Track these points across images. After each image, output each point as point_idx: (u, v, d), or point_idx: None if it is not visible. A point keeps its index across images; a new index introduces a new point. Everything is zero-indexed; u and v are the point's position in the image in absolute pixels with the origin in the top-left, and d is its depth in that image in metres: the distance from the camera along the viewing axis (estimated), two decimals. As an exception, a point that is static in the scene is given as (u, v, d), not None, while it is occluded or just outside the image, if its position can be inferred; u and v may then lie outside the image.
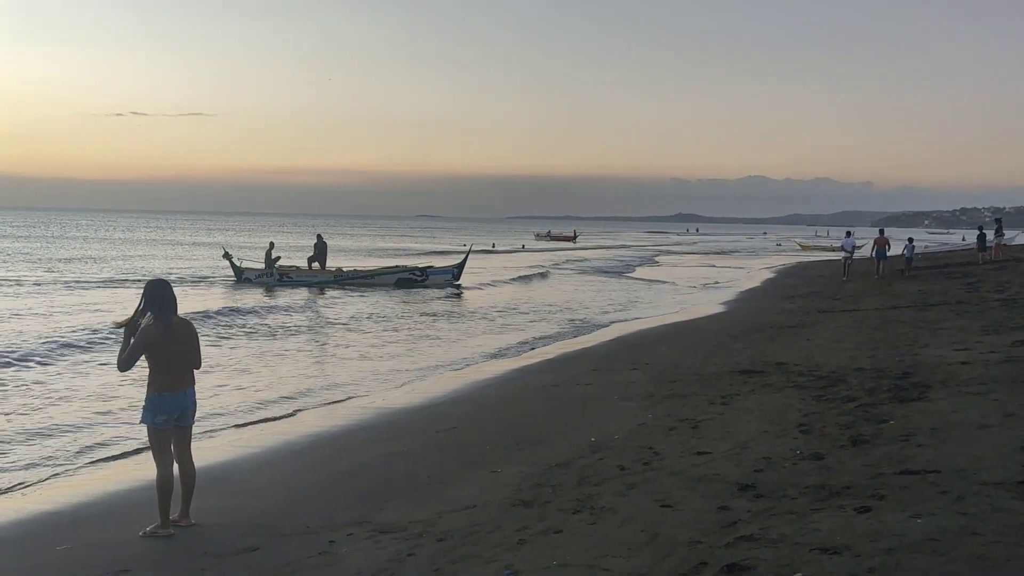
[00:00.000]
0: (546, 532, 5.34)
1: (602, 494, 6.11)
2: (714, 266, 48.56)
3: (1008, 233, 44.87)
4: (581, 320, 20.96)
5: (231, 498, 6.78)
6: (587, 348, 15.78)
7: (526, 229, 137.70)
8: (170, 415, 5.80)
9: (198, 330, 6.29)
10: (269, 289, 28.54)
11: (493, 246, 68.83)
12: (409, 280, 30.68)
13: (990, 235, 34.23)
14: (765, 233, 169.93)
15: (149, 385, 5.80)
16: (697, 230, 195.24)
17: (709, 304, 24.28)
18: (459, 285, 30.56)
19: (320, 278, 30.32)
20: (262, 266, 30.83)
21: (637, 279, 37.21)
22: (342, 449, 8.50)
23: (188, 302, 24.89)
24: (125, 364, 5.83)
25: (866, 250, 34.39)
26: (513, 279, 34.74)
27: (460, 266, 31.60)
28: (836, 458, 6.41)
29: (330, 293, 27.76)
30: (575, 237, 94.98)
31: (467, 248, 37.36)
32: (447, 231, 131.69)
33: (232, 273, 31.39)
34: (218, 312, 20.25)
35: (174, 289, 6.14)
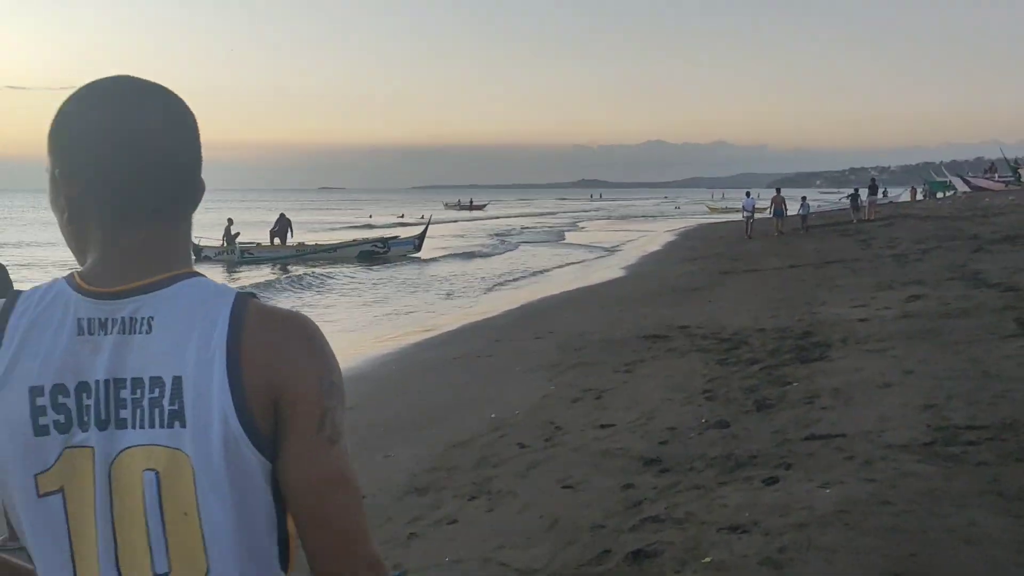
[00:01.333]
0: (440, 523, 4.96)
1: (501, 476, 5.76)
2: (631, 230, 49.16)
3: (893, 191, 46.72)
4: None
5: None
6: (489, 318, 15.43)
7: (433, 199, 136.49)
8: None
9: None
10: (231, 267, 27.48)
11: (402, 216, 67.97)
12: (371, 252, 30.13)
13: (865, 195, 35.24)
14: (665, 197, 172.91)
15: None
16: (600, 196, 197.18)
17: (611, 268, 24.26)
18: (419, 257, 30.22)
19: (283, 253, 29.60)
20: (220, 243, 29.68)
21: (573, 244, 37.50)
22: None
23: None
24: None
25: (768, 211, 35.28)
26: (466, 251, 34.16)
27: (421, 237, 31.24)
28: (742, 425, 6.22)
29: (292, 268, 26.89)
30: (485, 206, 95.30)
31: (427, 219, 36.74)
32: (351, 203, 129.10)
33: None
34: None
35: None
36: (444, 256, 31.22)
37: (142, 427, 1.06)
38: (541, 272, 25.46)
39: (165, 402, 1.05)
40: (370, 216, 70.27)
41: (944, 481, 4.47)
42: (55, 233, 1.31)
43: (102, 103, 1.11)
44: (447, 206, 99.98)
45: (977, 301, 10.59)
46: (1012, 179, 41.11)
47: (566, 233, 47.59)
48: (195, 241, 29.60)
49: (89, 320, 1.08)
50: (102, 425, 1.07)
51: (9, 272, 6.30)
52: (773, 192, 32.92)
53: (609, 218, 70.48)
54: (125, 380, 1.06)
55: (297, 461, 1.07)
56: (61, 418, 1.07)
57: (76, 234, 1.14)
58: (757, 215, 31.91)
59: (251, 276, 24.99)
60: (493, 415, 7.65)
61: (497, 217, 72.35)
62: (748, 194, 33.51)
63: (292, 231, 31.32)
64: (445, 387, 9.31)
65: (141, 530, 1.07)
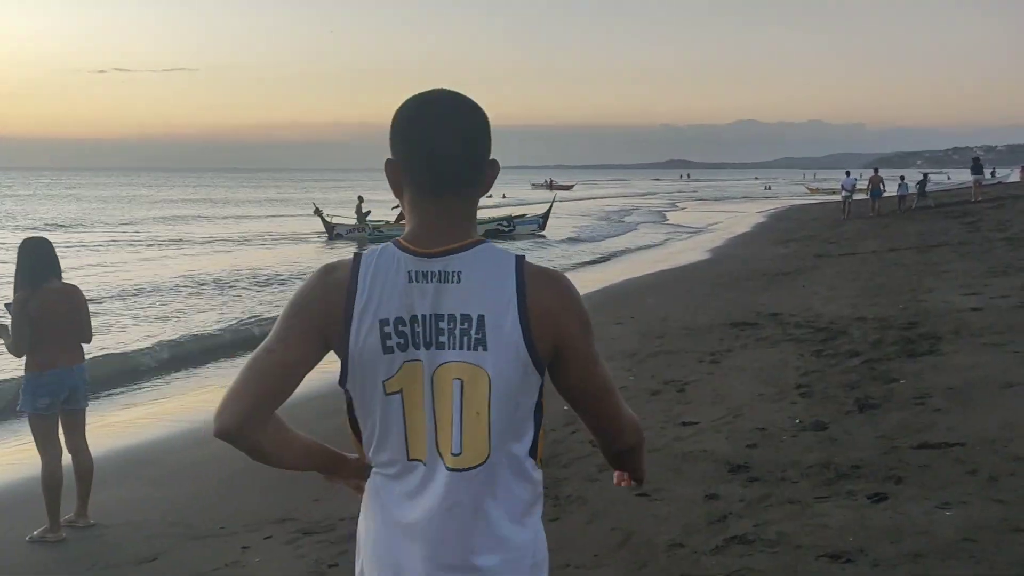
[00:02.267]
0: (499, 532, 4.48)
1: (570, 479, 5.25)
2: (722, 211, 47.98)
3: (1001, 171, 44.03)
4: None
5: (149, 488, 5.92)
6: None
7: (520, 179, 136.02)
8: (55, 397, 4.88)
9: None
10: (362, 244, 27.71)
11: (489, 196, 67.92)
12: (497, 232, 30.11)
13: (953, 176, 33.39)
14: (756, 178, 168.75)
15: (27, 364, 4.87)
16: (689, 176, 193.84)
17: (698, 250, 23.38)
18: (544, 235, 30.65)
19: None
20: (354, 221, 30.44)
21: (675, 224, 37.10)
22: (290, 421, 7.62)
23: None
24: (16, 347, 4.89)
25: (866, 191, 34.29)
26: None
27: (545, 215, 31.53)
28: (842, 427, 5.55)
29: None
30: (572, 187, 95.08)
31: (552, 198, 36.78)
32: None
33: (324, 229, 30.95)
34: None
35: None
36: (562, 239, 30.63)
37: (454, 348, 1.51)
38: (624, 252, 24.76)
39: (472, 332, 1.50)
40: (503, 195, 70.54)
41: (1092, 507, 3.77)
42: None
43: (435, 111, 1.56)
44: (534, 186, 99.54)
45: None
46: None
47: (667, 213, 46.88)
48: (328, 219, 30.59)
49: (416, 272, 1.53)
50: (428, 346, 1.52)
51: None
52: (871, 172, 31.96)
53: (702, 199, 68.90)
54: (443, 315, 1.51)
55: (579, 377, 1.58)
56: (401, 340, 1.52)
57: (408, 207, 1.60)
58: (856, 196, 30.90)
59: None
60: (566, 407, 7.11)
61: (590, 198, 70.96)
62: (848, 173, 32.96)
63: None
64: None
65: (449, 421, 1.53)
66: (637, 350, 9.43)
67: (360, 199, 31.80)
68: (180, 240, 31.54)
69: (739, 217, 39.82)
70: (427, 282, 1.53)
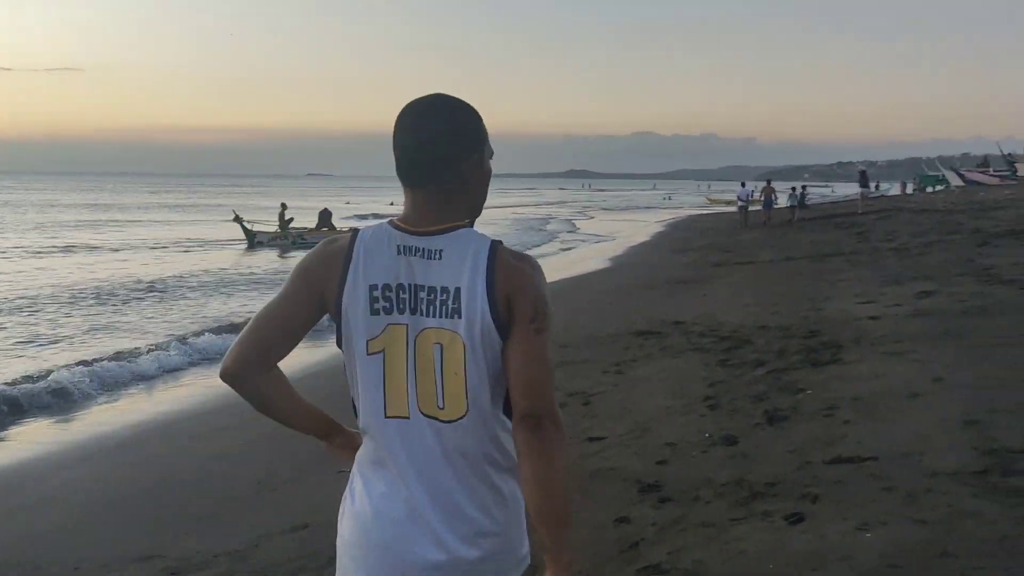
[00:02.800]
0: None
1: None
2: (624, 220, 48.54)
3: (884, 185, 46.36)
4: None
5: (2, 519, 5.27)
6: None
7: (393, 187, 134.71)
8: None
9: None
10: (284, 251, 27.37)
11: (391, 204, 67.42)
12: None
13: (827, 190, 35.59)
14: (655, 187, 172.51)
15: None
16: (590, 186, 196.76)
17: (598, 259, 23.39)
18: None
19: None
20: (275, 229, 29.75)
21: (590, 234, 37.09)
22: (164, 442, 7.02)
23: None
24: None
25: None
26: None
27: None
28: (753, 441, 5.36)
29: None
30: None
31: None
32: (345, 189, 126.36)
33: (243, 236, 29.91)
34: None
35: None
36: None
37: (434, 316, 1.72)
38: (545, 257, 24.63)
39: (449, 302, 1.71)
40: (391, 203, 69.45)
41: (1015, 525, 3.62)
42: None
43: (412, 112, 1.78)
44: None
45: (996, 299, 9.77)
46: (1008, 174, 40.53)
47: (576, 222, 47.43)
48: (248, 227, 29.67)
49: (403, 246, 1.75)
50: (412, 312, 1.73)
51: None
52: (764, 183, 33.47)
53: (607, 208, 69.72)
54: (424, 287, 1.73)
55: (515, 341, 1.70)
56: (387, 304, 1.73)
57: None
58: (752, 206, 32.03)
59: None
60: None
61: (501, 207, 70.23)
62: (743, 184, 34.14)
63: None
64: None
65: (431, 380, 1.72)
66: (540, 361, 9.15)
67: (283, 206, 30.95)
68: (89, 246, 29.90)
69: (641, 226, 40.33)
70: (412, 256, 1.72)
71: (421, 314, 1.71)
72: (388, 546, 1.72)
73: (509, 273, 1.71)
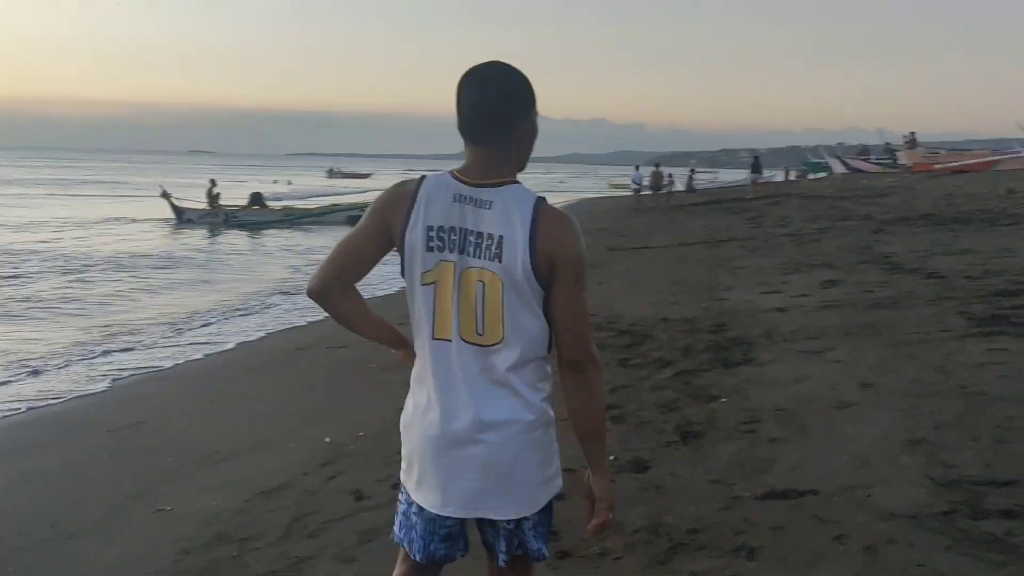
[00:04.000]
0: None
1: (321, 554, 3.82)
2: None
3: (767, 172, 47.36)
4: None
5: None
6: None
7: (313, 166, 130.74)
8: None
9: None
10: (214, 229, 26.11)
11: (290, 183, 65.02)
12: (359, 217, 28.32)
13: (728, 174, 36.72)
14: (549, 171, 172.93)
15: None
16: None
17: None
18: None
19: (269, 217, 28.07)
20: (204, 205, 28.32)
21: None
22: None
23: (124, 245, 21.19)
24: None
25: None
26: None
27: None
28: (666, 467, 4.48)
29: (273, 232, 25.62)
30: (368, 176, 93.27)
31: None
32: (230, 168, 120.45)
33: (172, 214, 28.10)
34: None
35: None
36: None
37: (479, 257, 1.96)
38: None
39: (493, 247, 1.94)
40: (275, 181, 66.64)
41: (1009, 596, 2.82)
42: None
43: (475, 77, 1.99)
44: (330, 174, 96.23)
45: (904, 289, 9.28)
46: (889, 162, 41.70)
47: None
48: (176, 203, 27.94)
49: (459, 195, 1.99)
50: (460, 252, 1.97)
51: None
52: (653, 168, 34.25)
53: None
54: (473, 231, 1.97)
55: (560, 298, 1.96)
56: (440, 243, 1.98)
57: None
58: (644, 191, 32.34)
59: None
60: (328, 439, 5.68)
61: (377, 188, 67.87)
62: (637, 168, 35.31)
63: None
64: (274, 392, 7.26)
65: (472, 310, 1.96)
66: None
67: (212, 182, 29.15)
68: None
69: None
70: (466, 204, 1.98)
71: (468, 255, 1.96)
72: (434, 446, 2.01)
73: (551, 232, 1.94)
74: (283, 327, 10.97)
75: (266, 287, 14.76)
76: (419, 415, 2.05)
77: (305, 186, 59.66)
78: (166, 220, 28.18)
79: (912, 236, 14.79)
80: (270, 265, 18.30)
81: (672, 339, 7.84)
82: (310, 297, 2.11)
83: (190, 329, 10.95)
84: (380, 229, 2.05)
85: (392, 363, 8.06)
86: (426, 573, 2.17)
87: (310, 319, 11.11)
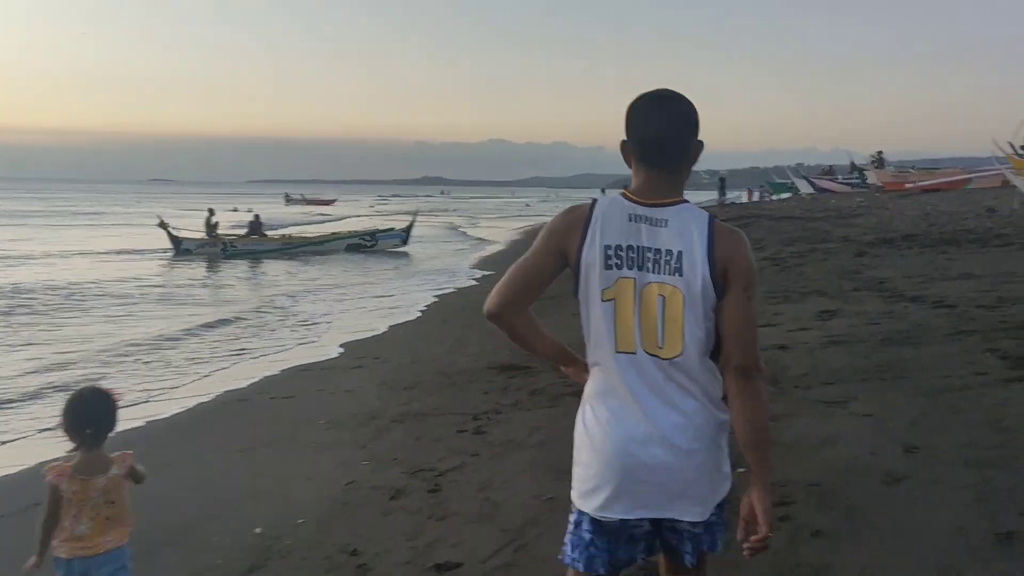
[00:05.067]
0: None
1: None
2: (520, 228, 46.60)
3: (731, 193, 47.01)
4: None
5: None
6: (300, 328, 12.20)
7: (274, 193, 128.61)
8: None
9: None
10: (213, 259, 25.47)
11: (234, 210, 63.61)
12: (359, 245, 28.64)
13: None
14: (514, 195, 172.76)
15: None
16: (448, 192, 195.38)
17: (458, 272, 21.47)
18: (406, 251, 28.53)
19: (268, 247, 27.41)
20: (203, 235, 27.36)
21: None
22: None
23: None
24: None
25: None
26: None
27: (408, 230, 29.65)
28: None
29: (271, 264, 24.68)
30: (333, 202, 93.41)
31: (414, 212, 35.42)
32: (188, 196, 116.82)
33: (170, 244, 26.96)
34: None
35: None
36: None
37: (659, 273, 2.06)
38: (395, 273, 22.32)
39: (672, 262, 2.05)
40: (234, 209, 65.33)
41: None
42: None
43: (652, 105, 2.16)
44: (289, 201, 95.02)
45: (913, 320, 8.40)
46: (857, 181, 41.39)
47: (464, 230, 44.35)
48: (175, 233, 26.82)
49: (635, 215, 2.10)
50: (639, 268, 2.07)
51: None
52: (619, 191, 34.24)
53: (491, 214, 67.50)
54: (651, 248, 2.07)
55: (731, 304, 2.06)
56: (618, 261, 2.08)
57: (634, 171, 2.18)
58: None
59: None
60: (259, 529, 4.59)
61: (379, 214, 65.16)
62: (603, 191, 34.45)
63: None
64: (196, 461, 6.12)
65: (652, 324, 2.06)
66: (377, 411, 7.05)
67: (210, 211, 28.07)
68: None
69: (499, 233, 38.73)
70: (642, 223, 2.08)
71: (647, 271, 2.06)
72: (625, 453, 2.08)
73: (727, 244, 2.07)
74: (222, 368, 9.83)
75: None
76: (607, 427, 2.11)
77: (263, 214, 58.03)
78: (164, 250, 27.03)
79: (900, 259, 14.03)
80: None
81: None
82: (489, 318, 2.20)
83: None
84: (555, 251, 2.15)
85: (344, 420, 7.01)
86: None
87: (251, 360, 9.99)
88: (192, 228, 28.06)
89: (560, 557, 2.21)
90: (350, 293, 17.55)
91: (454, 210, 76.12)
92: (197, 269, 23.22)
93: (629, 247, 2.06)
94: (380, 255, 27.43)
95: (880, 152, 42.97)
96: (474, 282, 18.73)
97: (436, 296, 16.24)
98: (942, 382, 5.96)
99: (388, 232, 30.37)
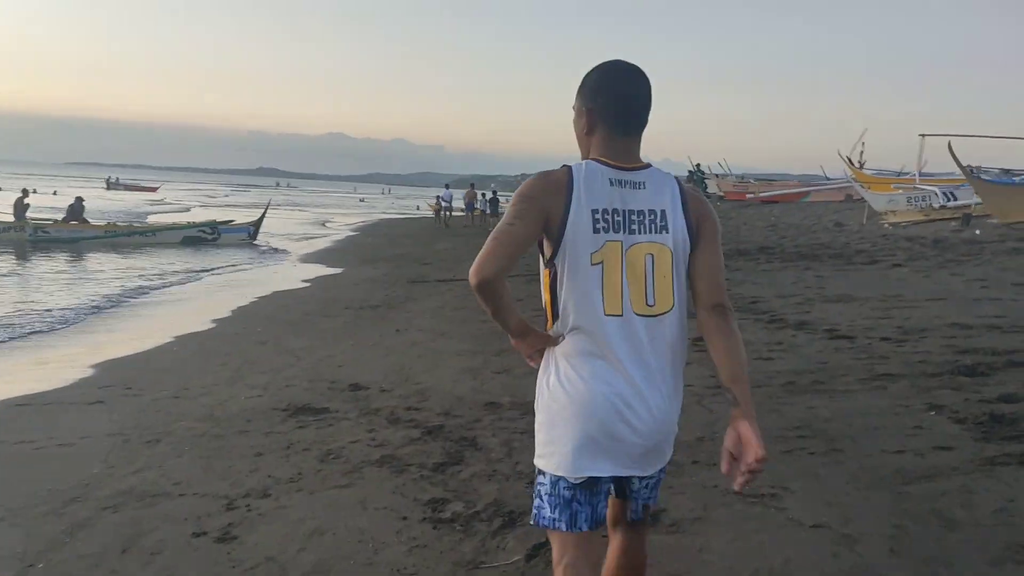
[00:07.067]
0: None
1: None
2: (317, 223, 43.15)
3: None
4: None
5: None
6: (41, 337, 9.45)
7: (94, 176, 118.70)
8: None
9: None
10: (20, 244, 22.36)
11: (55, 193, 57.71)
12: (198, 238, 25.19)
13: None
14: (355, 189, 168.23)
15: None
16: (289, 184, 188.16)
17: (278, 273, 18.85)
18: (256, 244, 25.61)
19: (88, 234, 23.97)
20: (11, 217, 24.17)
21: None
22: None
23: None
24: None
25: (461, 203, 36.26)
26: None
27: (257, 224, 26.71)
28: None
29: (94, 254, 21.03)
30: (157, 189, 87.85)
31: (266, 203, 32.61)
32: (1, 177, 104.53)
33: None
34: None
35: None
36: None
37: (644, 233, 2.14)
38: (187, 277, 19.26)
39: (658, 221, 2.15)
40: (55, 192, 58.66)
41: None
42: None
43: (622, 74, 2.22)
44: (109, 185, 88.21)
45: (810, 355, 6.87)
46: (700, 190, 41.35)
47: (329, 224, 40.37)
48: None
49: (614, 179, 2.16)
50: (625, 231, 2.12)
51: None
52: (468, 187, 35.74)
53: (297, 208, 63.40)
54: (634, 211, 2.15)
55: (706, 253, 2.20)
56: (605, 225, 2.12)
57: (588, 142, 2.25)
58: (453, 211, 32.30)
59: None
60: None
61: (223, 206, 58.42)
62: (447, 187, 35.65)
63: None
64: None
65: (640, 284, 2.12)
66: (88, 485, 4.68)
67: (24, 192, 24.93)
68: None
69: (330, 229, 35.94)
70: (622, 187, 2.15)
71: (633, 232, 2.13)
72: (612, 410, 2.10)
73: (696, 202, 2.22)
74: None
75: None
76: (591, 384, 2.11)
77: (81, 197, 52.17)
78: None
79: (763, 274, 12.80)
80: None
81: (507, 445, 4.91)
82: (481, 287, 2.12)
83: None
84: (539, 216, 2.13)
85: (22, 508, 4.60)
86: (594, 539, 2.20)
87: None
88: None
89: (533, 522, 2.21)
90: (154, 293, 14.65)
91: (295, 205, 71.81)
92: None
93: (615, 211, 2.14)
94: (215, 249, 24.00)
95: (699, 164, 43.76)
96: (305, 284, 16.16)
97: (254, 298, 13.58)
98: (893, 459, 4.30)
99: (231, 226, 26.97)
